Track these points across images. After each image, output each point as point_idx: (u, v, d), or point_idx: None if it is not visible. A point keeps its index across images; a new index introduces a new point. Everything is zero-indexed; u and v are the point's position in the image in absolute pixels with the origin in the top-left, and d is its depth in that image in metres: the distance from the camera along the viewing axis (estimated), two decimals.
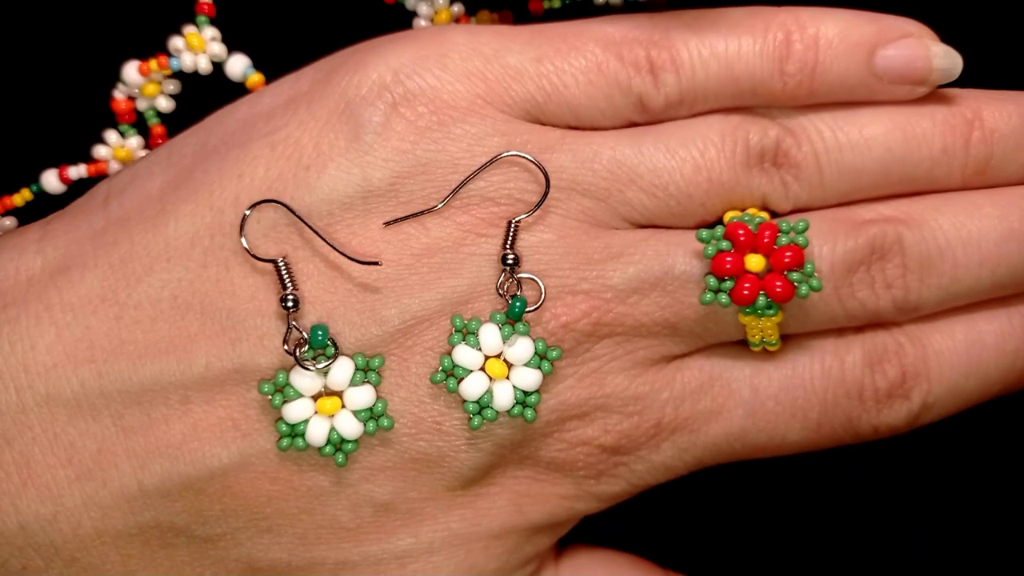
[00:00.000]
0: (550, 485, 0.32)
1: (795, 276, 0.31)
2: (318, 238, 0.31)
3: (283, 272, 0.30)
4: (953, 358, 0.32)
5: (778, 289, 0.30)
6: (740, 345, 0.33)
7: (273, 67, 0.33)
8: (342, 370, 0.31)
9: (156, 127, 0.35)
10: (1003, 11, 0.36)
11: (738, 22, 0.32)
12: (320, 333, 0.30)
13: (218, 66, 0.35)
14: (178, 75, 0.35)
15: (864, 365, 0.32)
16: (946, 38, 0.32)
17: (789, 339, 0.33)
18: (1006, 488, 0.39)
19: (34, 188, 0.35)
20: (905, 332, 0.33)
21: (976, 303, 0.33)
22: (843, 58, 0.32)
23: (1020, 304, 0.33)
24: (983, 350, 0.33)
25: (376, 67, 0.31)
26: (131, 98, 0.35)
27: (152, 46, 0.35)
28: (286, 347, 0.30)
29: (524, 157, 0.31)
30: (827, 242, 0.32)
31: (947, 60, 0.32)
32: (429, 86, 0.31)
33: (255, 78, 0.34)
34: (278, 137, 0.31)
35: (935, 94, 0.33)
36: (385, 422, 0.31)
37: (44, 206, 0.35)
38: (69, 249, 0.31)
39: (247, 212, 0.30)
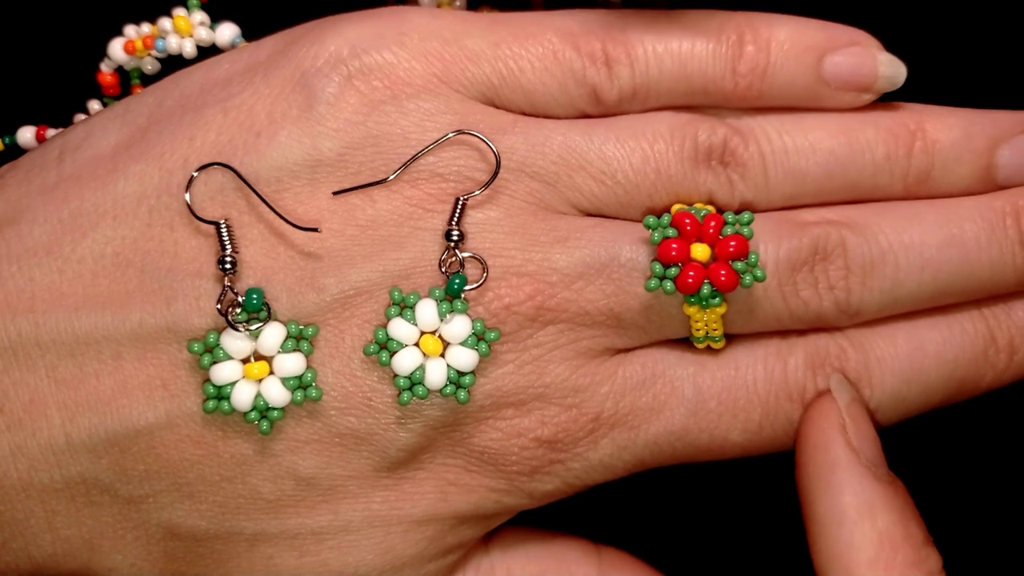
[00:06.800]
0: (480, 476, 0.31)
1: (739, 266, 0.30)
2: (263, 204, 0.31)
3: (224, 234, 0.30)
4: (895, 364, 0.32)
5: (722, 277, 0.30)
6: (684, 343, 0.32)
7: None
8: (273, 335, 0.30)
9: (137, 88, 0.36)
10: (949, 23, 0.36)
11: (694, 22, 0.32)
12: (255, 296, 0.30)
13: (202, 50, 0.35)
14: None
15: (806, 368, 0.32)
16: (892, 49, 0.33)
17: (733, 339, 0.32)
18: (1001, 486, 0.38)
19: (7, 140, 0.36)
20: (848, 337, 0.32)
21: (918, 311, 0.33)
22: (793, 61, 0.32)
23: (960, 313, 0.33)
24: (924, 357, 0.32)
25: (334, 40, 0.31)
26: (116, 71, 0.36)
27: (152, 17, 0.36)
28: (219, 307, 0.30)
29: (476, 136, 0.31)
30: (772, 241, 0.31)
31: (892, 68, 0.33)
32: (385, 62, 0.31)
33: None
34: (232, 103, 0.31)
35: (880, 104, 0.33)
36: (313, 392, 0.30)
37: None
38: (20, 202, 0.32)
39: (195, 174, 0.31)
